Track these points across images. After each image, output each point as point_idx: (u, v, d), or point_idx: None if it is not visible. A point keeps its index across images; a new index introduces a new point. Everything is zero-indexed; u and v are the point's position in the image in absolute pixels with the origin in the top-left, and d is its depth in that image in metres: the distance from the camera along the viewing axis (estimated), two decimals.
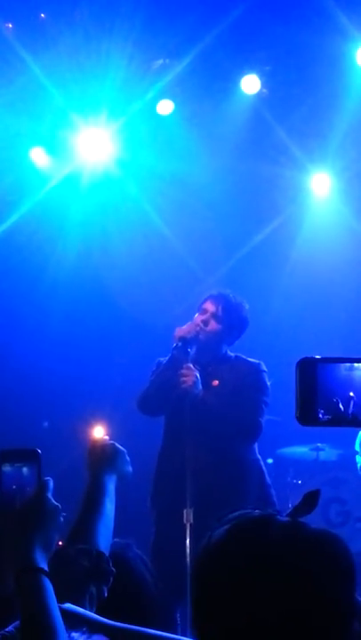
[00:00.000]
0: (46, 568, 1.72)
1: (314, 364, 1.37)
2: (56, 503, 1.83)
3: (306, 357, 1.39)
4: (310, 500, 1.44)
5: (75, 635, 1.69)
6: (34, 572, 1.70)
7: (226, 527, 1.42)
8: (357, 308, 6.95)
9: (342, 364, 1.38)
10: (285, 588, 1.35)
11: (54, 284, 7.25)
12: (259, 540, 1.39)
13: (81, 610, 1.86)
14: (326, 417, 1.36)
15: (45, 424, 7.06)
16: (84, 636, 1.68)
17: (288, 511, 1.44)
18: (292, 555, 1.37)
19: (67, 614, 1.75)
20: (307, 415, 1.36)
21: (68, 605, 1.83)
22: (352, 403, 1.36)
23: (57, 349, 7.13)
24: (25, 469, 1.91)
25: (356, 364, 1.38)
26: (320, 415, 1.36)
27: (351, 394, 1.36)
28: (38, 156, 7.06)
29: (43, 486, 1.85)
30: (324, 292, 7.19)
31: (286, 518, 1.43)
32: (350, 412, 1.36)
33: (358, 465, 6.80)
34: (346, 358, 1.39)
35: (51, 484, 1.86)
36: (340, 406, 1.36)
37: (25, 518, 1.80)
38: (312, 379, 1.37)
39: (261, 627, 1.33)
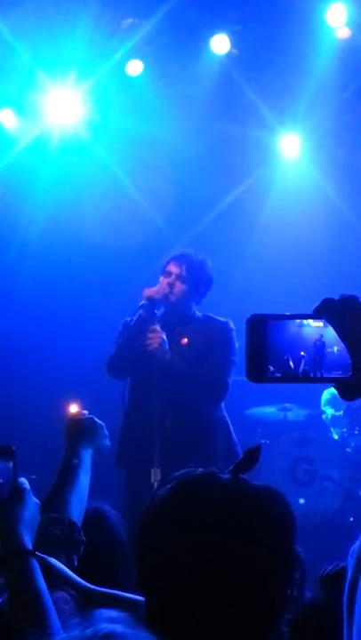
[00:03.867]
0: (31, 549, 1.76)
1: (264, 320, 1.38)
2: (36, 500, 1.87)
3: (255, 314, 1.39)
4: (251, 456, 1.47)
5: None
6: (24, 554, 1.74)
7: (169, 485, 1.46)
8: (325, 268, 6.99)
9: (293, 321, 1.39)
10: (227, 542, 1.39)
11: (22, 248, 7.21)
12: (201, 496, 1.43)
13: (59, 565, 1.90)
14: (277, 374, 1.38)
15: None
16: None
17: (229, 468, 1.48)
18: (233, 510, 1.41)
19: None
20: (256, 372, 1.37)
21: (51, 559, 1.88)
22: (303, 361, 1.37)
23: (25, 315, 7.11)
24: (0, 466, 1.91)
25: (305, 321, 1.39)
26: (270, 372, 1.38)
27: (302, 353, 1.38)
28: (6, 118, 6.97)
29: (21, 486, 1.88)
30: (293, 253, 7.22)
31: (228, 475, 1.47)
32: (301, 369, 1.37)
33: (326, 421, 6.90)
34: (295, 315, 1.39)
35: (27, 485, 1.88)
36: (291, 364, 1.37)
37: (7, 507, 1.83)
38: (262, 336, 1.37)
39: (203, 582, 1.38)
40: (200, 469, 1.49)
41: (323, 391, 7.05)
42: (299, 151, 7.25)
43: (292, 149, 7.25)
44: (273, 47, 6.68)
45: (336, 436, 6.76)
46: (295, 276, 6.92)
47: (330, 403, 7.00)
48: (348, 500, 6.32)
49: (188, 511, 1.42)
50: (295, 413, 6.81)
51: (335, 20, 6.42)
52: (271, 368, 1.35)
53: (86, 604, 1.72)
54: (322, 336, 1.35)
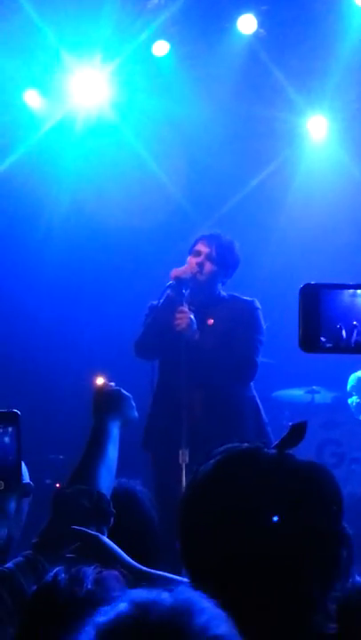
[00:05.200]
0: None
1: (317, 290, 1.36)
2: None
3: (309, 283, 1.37)
4: (297, 431, 1.45)
5: (87, 570, 1.72)
6: None
7: (213, 460, 1.44)
8: (353, 252, 6.93)
9: (345, 291, 1.37)
10: (274, 517, 1.37)
11: (48, 229, 7.20)
12: (246, 471, 1.41)
13: (111, 544, 1.90)
14: (329, 344, 1.36)
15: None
16: (95, 571, 1.71)
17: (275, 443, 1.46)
18: (279, 485, 1.39)
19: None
20: (309, 342, 1.35)
21: (99, 535, 1.88)
22: (355, 331, 1.35)
23: (52, 297, 7.12)
24: (7, 435, 1.89)
25: (359, 291, 1.37)
26: (323, 342, 1.36)
27: (355, 322, 1.35)
28: (32, 99, 6.96)
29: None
30: (320, 235, 7.17)
31: (273, 450, 1.44)
32: (354, 339, 1.35)
33: (352, 407, 6.86)
34: (349, 285, 1.37)
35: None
36: (343, 333, 1.35)
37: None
38: (315, 305, 1.36)
39: (250, 557, 1.36)
40: (245, 444, 1.47)
41: (350, 375, 7.00)
42: (326, 133, 7.18)
43: (319, 131, 7.18)
44: (300, 27, 6.61)
45: None
46: (322, 258, 6.85)
47: (355, 389, 6.96)
48: None
49: (234, 485, 1.40)
50: (323, 396, 6.79)
51: None
52: (323, 338, 1.32)
53: (137, 583, 1.71)
54: None
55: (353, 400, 6.87)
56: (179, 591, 1.08)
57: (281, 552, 1.36)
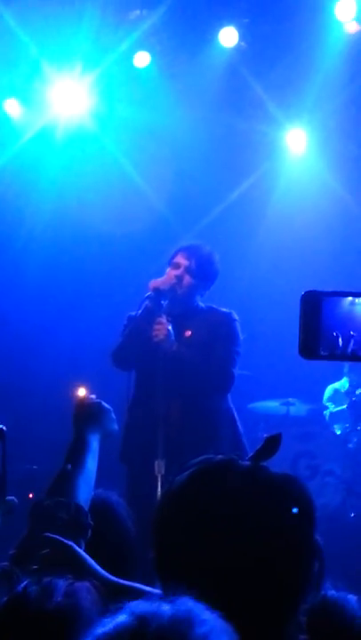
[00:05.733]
0: None
1: (317, 297, 1.37)
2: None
3: (310, 290, 1.38)
4: (272, 443, 1.46)
5: (58, 582, 1.72)
6: None
7: (188, 472, 1.44)
8: (331, 262, 6.97)
9: (345, 299, 1.38)
10: (247, 529, 1.37)
11: (29, 238, 7.19)
12: (220, 483, 1.41)
13: (84, 554, 1.89)
14: (327, 352, 1.37)
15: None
16: (67, 582, 1.70)
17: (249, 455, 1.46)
18: (253, 496, 1.39)
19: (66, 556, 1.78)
20: (308, 349, 1.36)
21: (73, 545, 1.86)
22: (353, 341, 1.36)
23: (31, 306, 7.10)
24: None
25: (357, 300, 1.38)
26: (322, 350, 1.37)
27: (352, 332, 1.36)
28: (12, 108, 6.96)
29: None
30: (299, 247, 7.20)
31: (247, 462, 1.45)
32: (350, 349, 1.36)
33: (327, 417, 6.90)
34: (350, 292, 1.38)
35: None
36: (340, 342, 1.36)
37: None
38: (316, 312, 1.36)
39: (223, 568, 1.36)
40: (219, 456, 1.47)
41: (326, 387, 7.05)
42: (305, 146, 7.23)
43: (298, 144, 7.23)
44: (281, 41, 6.66)
45: (338, 432, 6.75)
46: (301, 270, 6.89)
47: (332, 399, 7.00)
48: (350, 495, 6.32)
49: (207, 497, 1.40)
50: (298, 408, 6.81)
51: (344, 14, 6.40)
52: (322, 346, 1.34)
53: (109, 595, 1.71)
54: None
55: (330, 410, 6.91)
56: (179, 602, 1.08)
57: (254, 564, 1.36)
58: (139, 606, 1.07)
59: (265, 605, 1.36)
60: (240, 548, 1.36)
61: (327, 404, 6.98)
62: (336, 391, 6.99)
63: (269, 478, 1.42)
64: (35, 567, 1.79)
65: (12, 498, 2.06)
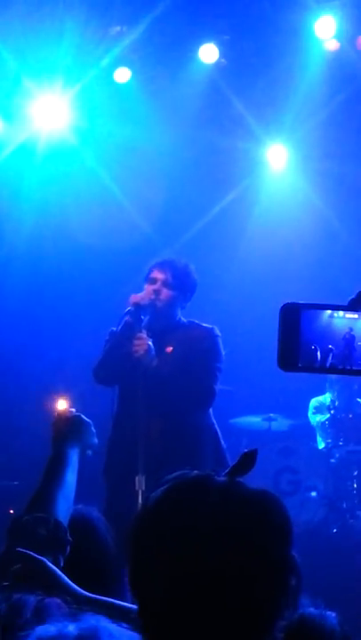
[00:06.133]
0: None
1: (297, 309, 1.37)
2: None
3: (289, 302, 1.38)
4: (248, 459, 1.44)
5: (29, 597, 1.69)
6: None
7: (163, 488, 1.43)
8: (312, 277, 7.00)
9: (324, 312, 1.38)
10: (222, 545, 1.36)
11: (9, 253, 7.17)
12: (196, 498, 1.39)
13: (55, 570, 1.86)
14: (305, 364, 1.36)
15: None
16: (38, 599, 1.68)
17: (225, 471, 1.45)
18: (228, 513, 1.38)
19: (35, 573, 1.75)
20: (287, 361, 1.35)
21: (45, 560, 1.83)
22: (331, 354, 1.36)
23: (12, 320, 7.07)
24: None
25: (338, 313, 1.38)
26: (300, 362, 1.36)
27: (330, 346, 1.36)
28: None
29: None
30: (280, 262, 7.23)
31: (224, 478, 1.43)
32: (329, 362, 1.36)
33: (317, 427, 6.89)
34: (329, 305, 1.38)
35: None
36: (318, 354, 1.36)
37: None
38: (294, 325, 1.36)
39: (197, 585, 1.34)
40: (195, 472, 1.46)
41: (308, 402, 7.05)
42: (286, 162, 7.26)
43: (279, 160, 7.27)
44: (261, 57, 6.70)
45: (321, 446, 6.75)
46: (282, 285, 6.91)
47: (318, 410, 6.99)
48: (332, 510, 6.31)
49: (183, 513, 1.39)
50: (280, 423, 6.81)
51: (324, 32, 6.45)
52: (301, 358, 1.33)
53: (80, 610, 1.68)
54: (352, 329, 1.34)
55: (315, 422, 6.90)
56: (84, 620, 1.06)
57: (230, 580, 1.35)
58: (45, 631, 1.04)
59: (241, 622, 1.35)
60: (215, 564, 1.35)
61: (313, 416, 6.97)
62: (321, 403, 6.99)
63: (245, 494, 1.41)
64: (5, 583, 1.76)
65: None
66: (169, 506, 1.41)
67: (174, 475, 1.46)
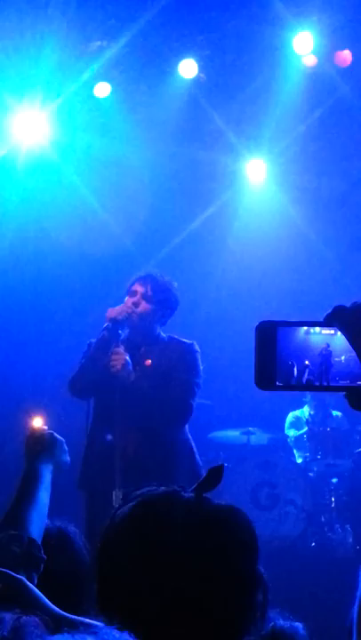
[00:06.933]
0: None
1: (272, 327, 1.37)
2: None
3: (264, 320, 1.38)
4: (214, 475, 1.45)
5: (5, 615, 1.68)
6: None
7: (130, 504, 1.43)
8: (292, 293, 7.03)
9: (300, 329, 1.38)
10: (189, 561, 1.36)
11: None
12: (163, 515, 1.40)
13: (32, 588, 1.85)
14: (282, 383, 1.36)
15: None
16: (15, 617, 1.66)
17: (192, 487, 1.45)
18: (194, 529, 1.39)
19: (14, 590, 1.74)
20: (264, 380, 1.35)
21: (23, 579, 1.82)
22: (307, 370, 1.36)
23: None
24: None
25: (314, 329, 1.38)
26: (278, 380, 1.36)
27: (307, 362, 1.36)
28: None
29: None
30: (258, 277, 7.25)
31: (191, 494, 1.44)
32: (305, 379, 1.36)
33: (290, 442, 6.90)
34: (304, 322, 1.38)
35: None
36: (295, 371, 1.36)
37: None
38: (271, 343, 1.36)
39: (165, 601, 1.35)
40: (162, 488, 1.47)
41: (286, 415, 7.06)
42: (265, 176, 7.31)
43: (258, 174, 7.31)
44: (240, 73, 6.74)
45: (300, 460, 6.76)
46: (261, 299, 6.94)
47: (294, 425, 7.01)
48: (311, 524, 6.31)
49: (149, 530, 1.39)
50: (258, 437, 6.81)
51: (302, 47, 6.50)
52: (278, 376, 1.33)
53: (57, 630, 1.68)
54: (328, 345, 1.34)
55: (291, 436, 6.92)
56: (102, 634, 1.07)
57: (196, 595, 1.35)
58: None
59: (208, 637, 1.35)
60: (182, 579, 1.35)
61: (289, 430, 6.99)
62: (297, 418, 7.01)
63: (211, 510, 1.42)
64: None
65: None
66: (136, 522, 1.42)
67: (141, 491, 1.47)
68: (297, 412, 7.01)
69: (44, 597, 1.90)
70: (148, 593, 1.35)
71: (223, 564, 1.38)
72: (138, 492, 1.46)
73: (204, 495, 1.44)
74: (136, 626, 1.35)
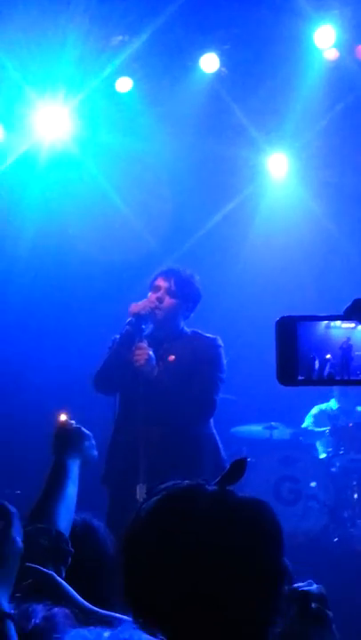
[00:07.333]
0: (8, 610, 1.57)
1: (293, 322, 1.37)
2: (21, 544, 1.67)
3: (285, 316, 1.38)
4: (237, 468, 1.46)
5: (37, 607, 1.70)
6: (2, 618, 1.56)
7: (155, 497, 1.44)
8: (313, 288, 7.01)
9: (320, 323, 1.38)
10: (215, 553, 1.37)
11: (10, 263, 7.19)
12: (187, 508, 1.41)
13: (63, 583, 1.87)
14: (305, 377, 1.37)
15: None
16: (46, 608, 1.69)
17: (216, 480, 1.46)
18: (219, 521, 1.40)
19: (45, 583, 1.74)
20: (286, 375, 1.36)
21: (53, 574, 1.84)
22: (329, 364, 1.36)
23: (14, 330, 7.08)
24: None
25: (334, 323, 1.38)
26: (299, 375, 1.37)
27: (328, 356, 1.37)
28: None
29: (9, 522, 1.68)
30: (280, 272, 7.24)
31: (214, 487, 1.45)
32: (326, 372, 1.36)
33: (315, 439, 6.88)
34: (324, 316, 1.38)
35: (16, 519, 1.69)
36: (316, 364, 1.36)
37: None
38: (291, 338, 1.36)
39: (190, 594, 1.36)
40: (186, 481, 1.48)
41: (309, 410, 7.05)
42: (286, 170, 7.29)
43: (279, 169, 7.29)
44: (262, 67, 6.72)
45: (323, 455, 6.75)
46: (283, 293, 6.92)
47: (315, 418, 6.99)
48: (333, 519, 6.30)
49: (175, 523, 1.41)
50: (281, 432, 6.80)
51: (323, 41, 6.47)
52: (300, 371, 1.34)
53: (87, 623, 1.69)
54: (349, 338, 1.34)
55: (317, 428, 6.89)
56: (120, 629, 1.08)
57: (222, 588, 1.36)
58: (79, 635, 1.05)
59: (235, 630, 1.36)
60: (208, 572, 1.36)
61: (313, 423, 6.97)
62: (322, 412, 6.99)
63: (236, 502, 1.43)
64: (17, 595, 1.77)
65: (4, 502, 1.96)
66: (161, 515, 1.43)
67: (166, 485, 1.48)
68: (323, 406, 6.99)
69: (73, 591, 1.92)
70: (174, 586, 1.37)
71: (250, 556, 1.38)
72: (163, 486, 1.47)
73: (227, 488, 1.44)
74: (161, 619, 1.36)
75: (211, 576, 1.36)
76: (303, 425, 7.00)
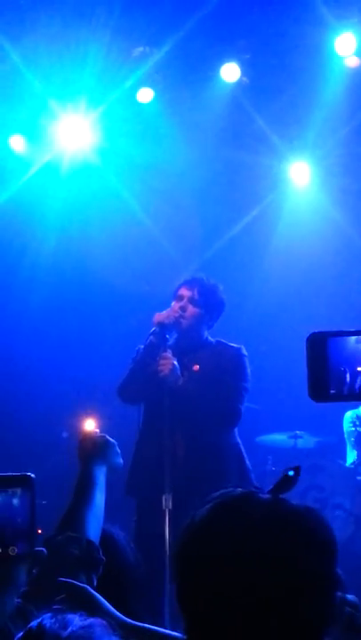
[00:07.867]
0: None
1: (323, 338, 1.37)
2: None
3: (315, 332, 1.39)
4: (291, 476, 1.46)
5: (71, 616, 1.71)
6: None
7: (209, 505, 1.44)
8: (335, 294, 6.99)
9: (351, 338, 1.38)
10: (269, 561, 1.37)
11: (33, 273, 7.22)
12: (242, 516, 1.41)
13: (100, 598, 1.87)
14: (338, 392, 1.37)
15: (65, 434, 6.78)
16: (81, 619, 1.70)
17: (269, 489, 1.46)
18: (274, 530, 1.39)
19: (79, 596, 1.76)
20: (318, 391, 1.36)
21: (87, 587, 1.84)
22: (359, 378, 1.37)
23: (36, 340, 7.11)
24: (16, 497, 1.79)
25: None
26: (331, 390, 1.37)
27: (359, 369, 1.37)
28: (17, 144, 7.02)
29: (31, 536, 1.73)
30: (303, 281, 7.22)
31: (267, 495, 1.44)
32: (358, 385, 1.36)
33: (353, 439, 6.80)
34: (355, 331, 1.39)
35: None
36: (348, 381, 1.36)
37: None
38: (322, 353, 1.37)
39: (245, 602, 1.35)
40: (239, 489, 1.47)
41: (334, 419, 6.99)
42: (309, 179, 7.28)
43: (302, 177, 7.28)
44: (282, 75, 6.72)
45: (350, 461, 6.69)
46: (305, 302, 6.91)
47: (353, 421, 6.91)
48: (359, 528, 6.26)
49: (229, 530, 1.40)
50: (306, 441, 6.77)
51: (344, 48, 6.45)
52: (332, 386, 1.34)
53: (124, 636, 1.69)
54: None
55: (355, 430, 6.80)
56: None
57: (276, 596, 1.36)
58: None
59: (287, 638, 1.35)
60: (264, 580, 1.36)
61: (349, 425, 6.88)
62: (358, 416, 6.91)
63: (290, 511, 1.42)
64: (56, 607, 1.78)
65: (42, 549, 2.00)
66: (215, 523, 1.42)
67: (218, 492, 1.48)
68: (357, 411, 6.92)
69: (107, 604, 1.92)
70: (227, 593, 1.36)
71: (304, 565, 1.38)
72: (216, 494, 1.47)
73: (280, 496, 1.44)
74: (218, 627, 1.36)
75: (265, 583, 1.36)
76: (344, 428, 6.89)
